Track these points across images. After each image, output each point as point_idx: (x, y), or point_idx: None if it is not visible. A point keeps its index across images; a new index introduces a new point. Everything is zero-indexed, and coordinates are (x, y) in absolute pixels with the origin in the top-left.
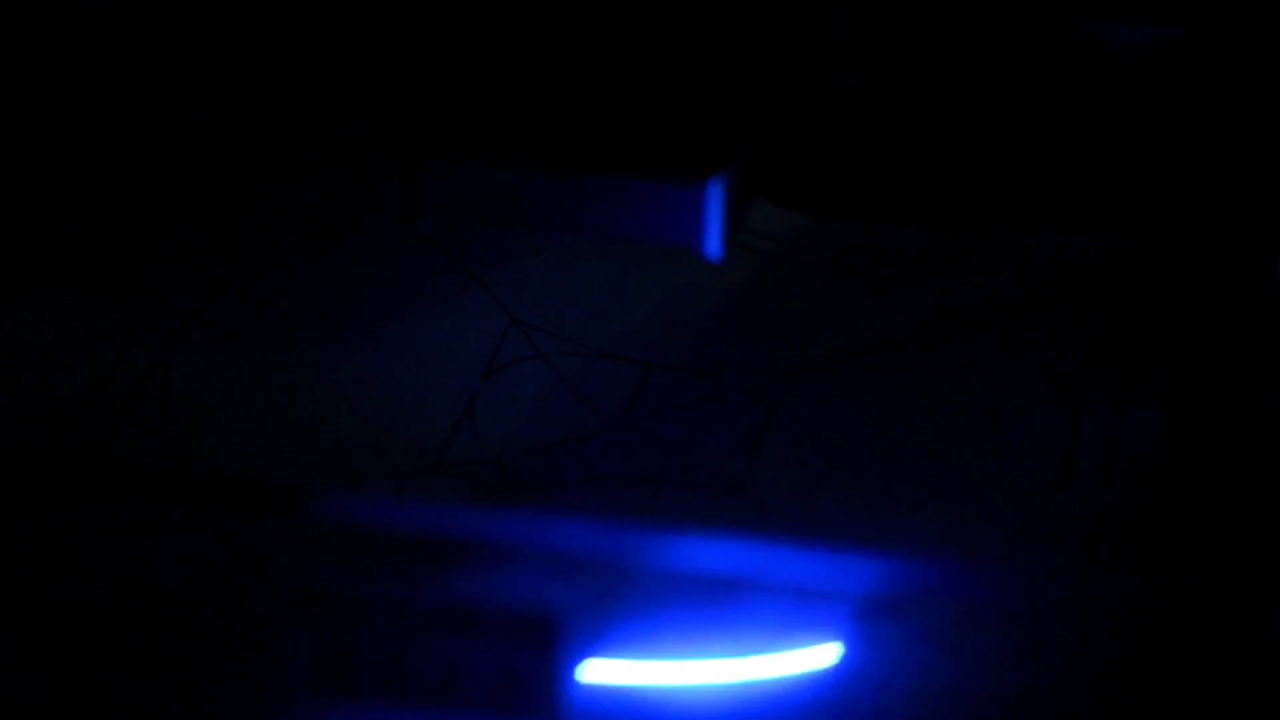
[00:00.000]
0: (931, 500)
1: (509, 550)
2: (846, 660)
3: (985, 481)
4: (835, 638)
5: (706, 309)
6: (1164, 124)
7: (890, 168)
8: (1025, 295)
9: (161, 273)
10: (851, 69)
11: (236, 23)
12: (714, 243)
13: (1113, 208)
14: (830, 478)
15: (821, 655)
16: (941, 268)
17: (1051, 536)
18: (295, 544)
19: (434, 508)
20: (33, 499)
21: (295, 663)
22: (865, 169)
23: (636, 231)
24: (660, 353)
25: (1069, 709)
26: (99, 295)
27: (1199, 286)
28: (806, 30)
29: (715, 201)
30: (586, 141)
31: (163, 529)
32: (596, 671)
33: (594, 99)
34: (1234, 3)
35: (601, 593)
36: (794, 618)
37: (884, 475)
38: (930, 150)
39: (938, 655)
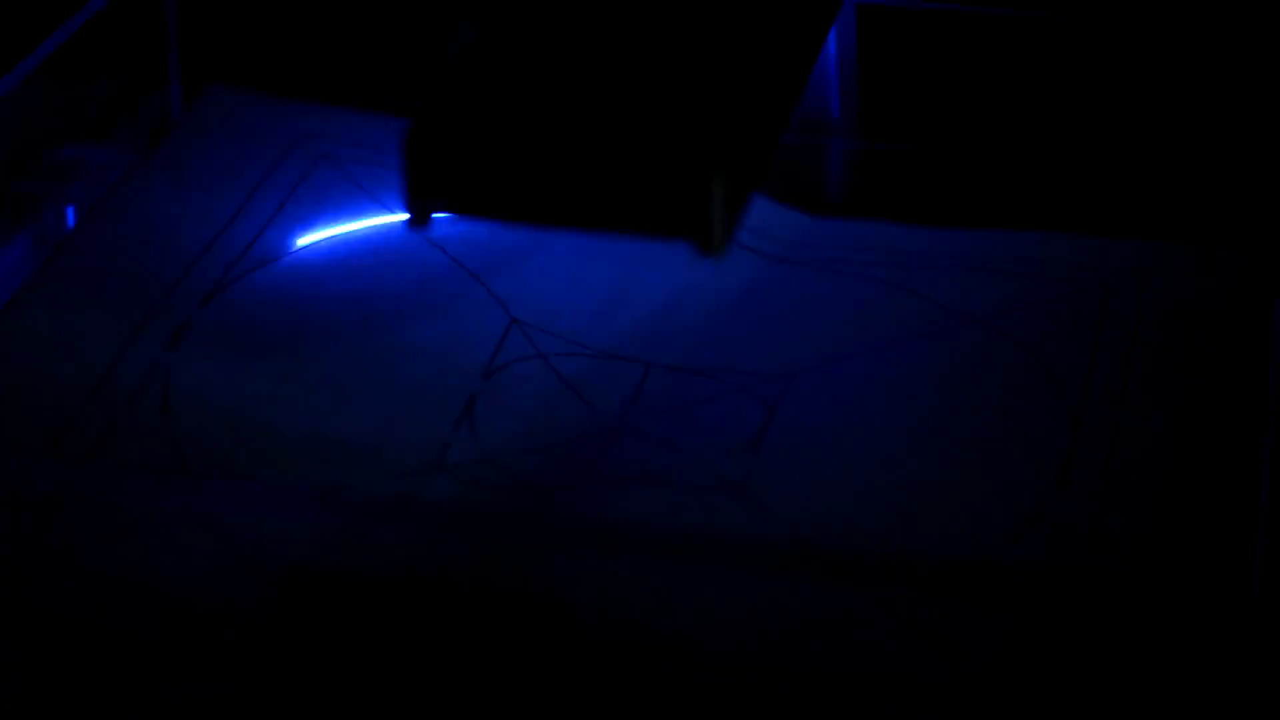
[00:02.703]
0: (931, 500)
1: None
2: (845, 658)
3: (985, 481)
4: None
5: (706, 309)
6: (1165, 123)
7: (890, 168)
8: (1025, 295)
9: (161, 273)
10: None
11: (238, 20)
12: (716, 241)
13: (1113, 208)
14: (830, 477)
15: None
16: (942, 268)
17: (1051, 536)
18: (295, 544)
19: (434, 508)
20: (33, 499)
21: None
22: (865, 169)
23: (636, 230)
24: (660, 353)
25: (1069, 707)
26: (99, 295)
27: (1202, 286)
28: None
29: (718, 198)
30: (587, 139)
31: (163, 529)
32: None
33: (595, 96)
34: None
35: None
36: None
37: (884, 475)
38: (930, 150)
39: (936, 654)
